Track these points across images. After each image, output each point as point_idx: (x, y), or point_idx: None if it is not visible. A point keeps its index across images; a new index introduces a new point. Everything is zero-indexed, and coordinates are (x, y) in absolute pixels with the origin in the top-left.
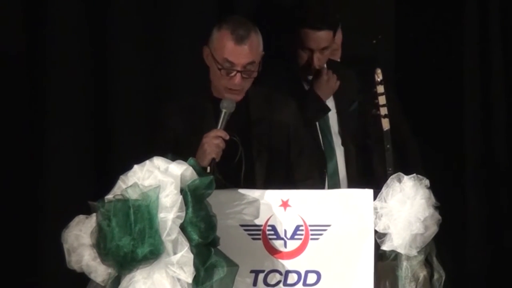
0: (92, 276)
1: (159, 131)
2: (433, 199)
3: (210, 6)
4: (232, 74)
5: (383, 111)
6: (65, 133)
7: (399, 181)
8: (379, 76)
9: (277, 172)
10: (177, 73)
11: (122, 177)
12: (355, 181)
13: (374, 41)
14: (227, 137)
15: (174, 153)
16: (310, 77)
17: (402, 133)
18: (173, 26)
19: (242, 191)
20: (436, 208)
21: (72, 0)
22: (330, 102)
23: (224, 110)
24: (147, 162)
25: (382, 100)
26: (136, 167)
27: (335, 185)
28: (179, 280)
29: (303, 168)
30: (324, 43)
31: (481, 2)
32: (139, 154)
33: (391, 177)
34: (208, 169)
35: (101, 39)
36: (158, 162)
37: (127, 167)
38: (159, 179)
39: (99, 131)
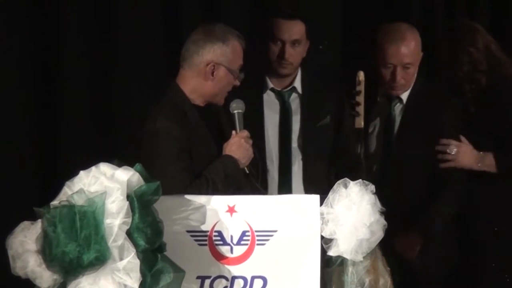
0: (37, 282)
1: (166, 142)
2: (378, 205)
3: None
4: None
5: (360, 110)
6: (10, 138)
7: (345, 186)
8: (360, 76)
9: None
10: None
11: (68, 183)
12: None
13: (321, 47)
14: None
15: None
16: (283, 71)
17: None
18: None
19: (188, 197)
20: (382, 213)
21: None
22: (296, 116)
23: (236, 111)
24: (93, 168)
25: (359, 98)
26: (82, 173)
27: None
28: (125, 286)
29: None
30: (296, 35)
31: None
32: (85, 160)
33: (337, 182)
34: (247, 170)
35: (48, 47)
36: (104, 168)
37: (73, 173)
38: (105, 185)
39: (45, 137)
